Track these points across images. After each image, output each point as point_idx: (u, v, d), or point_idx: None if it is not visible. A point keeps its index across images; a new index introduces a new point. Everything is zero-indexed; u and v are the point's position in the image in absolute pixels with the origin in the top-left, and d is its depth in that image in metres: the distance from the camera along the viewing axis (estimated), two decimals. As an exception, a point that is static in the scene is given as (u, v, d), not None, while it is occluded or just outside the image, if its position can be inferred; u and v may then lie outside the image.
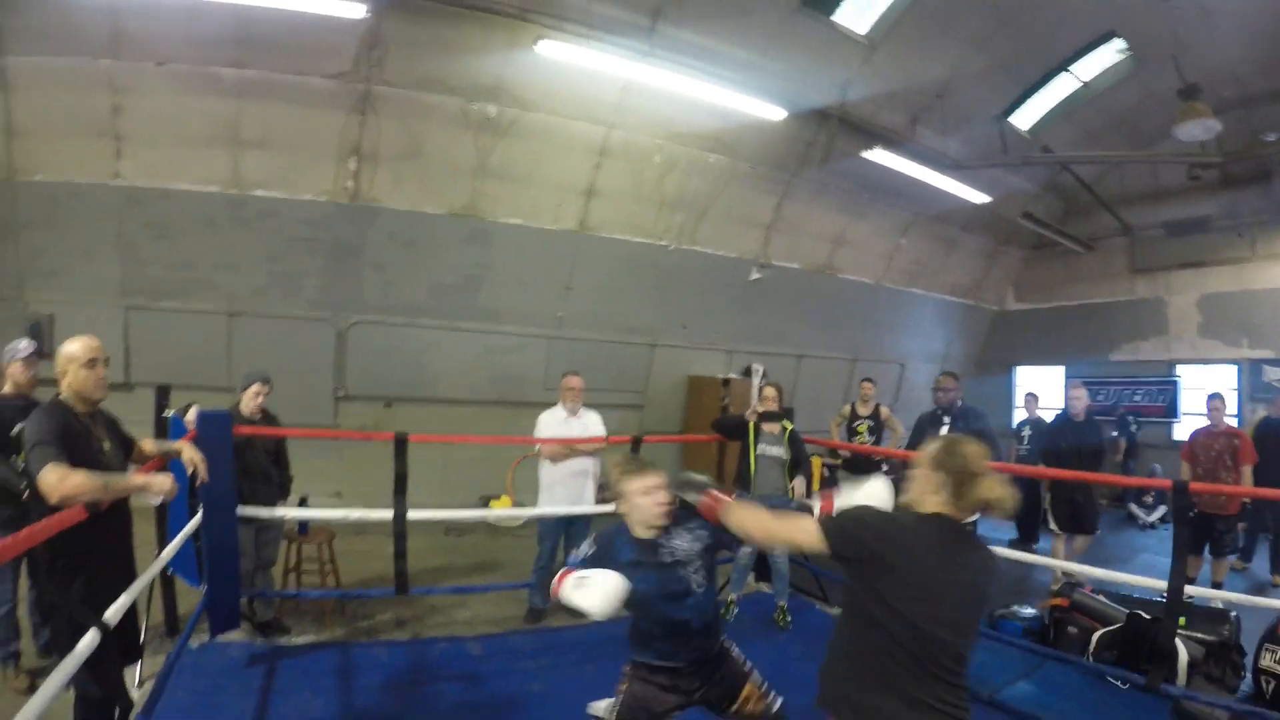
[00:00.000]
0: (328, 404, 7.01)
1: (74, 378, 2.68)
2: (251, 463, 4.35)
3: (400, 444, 4.35)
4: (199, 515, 3.91)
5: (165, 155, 6.17)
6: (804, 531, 1.89)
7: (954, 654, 1.80)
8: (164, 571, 4.03)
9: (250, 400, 4.49)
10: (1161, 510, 9.07)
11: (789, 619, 5.09)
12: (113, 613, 2.54)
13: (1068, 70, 8.46)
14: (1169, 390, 11.50)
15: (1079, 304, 12.69)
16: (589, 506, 5.13)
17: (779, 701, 2.70)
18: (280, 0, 5.13)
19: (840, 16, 7.13)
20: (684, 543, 2.58)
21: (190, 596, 4.27)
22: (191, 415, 4.07)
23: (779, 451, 5.14)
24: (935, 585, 1.77)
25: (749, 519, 2.05)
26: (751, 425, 5.21)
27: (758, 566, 5.54)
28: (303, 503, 4.79)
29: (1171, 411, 11.36)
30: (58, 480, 2.32)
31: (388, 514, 4.34)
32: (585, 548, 2.64)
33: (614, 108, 6.91)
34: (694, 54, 6.39)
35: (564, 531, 5.11)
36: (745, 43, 6.73)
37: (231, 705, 3.46)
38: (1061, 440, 6.23)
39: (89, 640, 2.33)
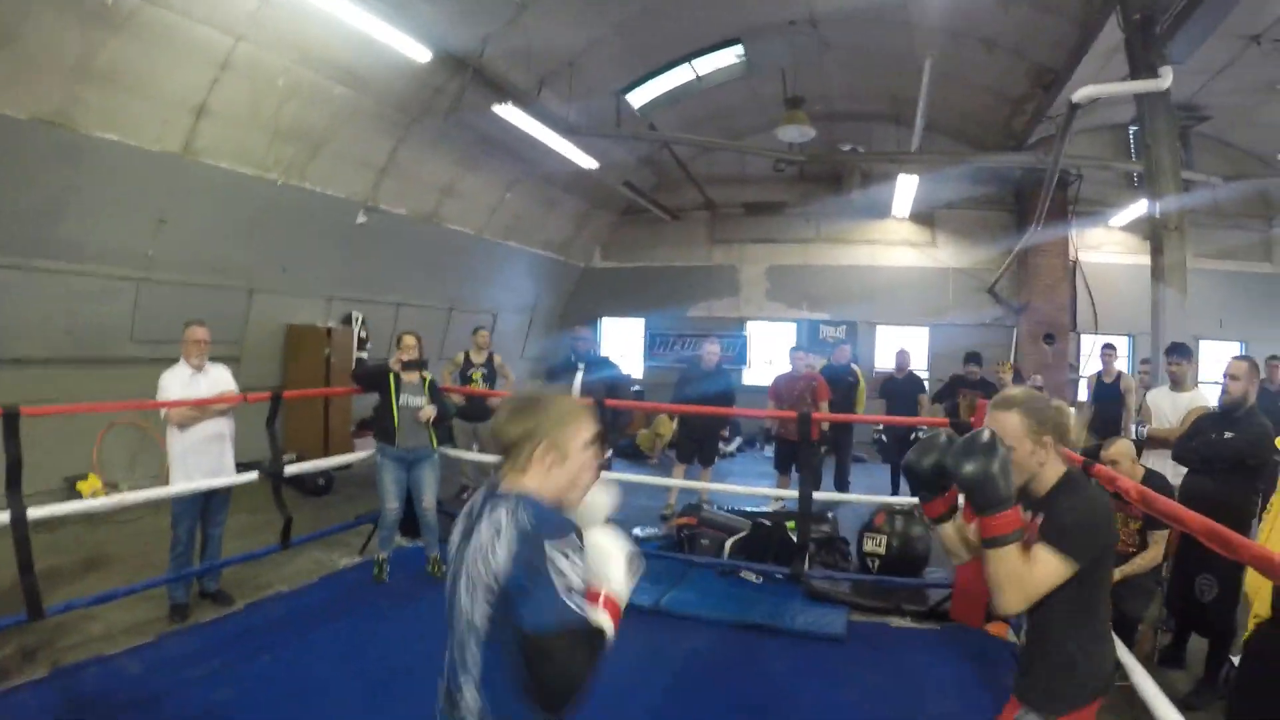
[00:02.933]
0: None
1: None
2: None
3: (10, 420, 4.07)
4: None
5: None
6: (1051, 570, 2.02)
7: None
8: None
9: None
10: (738, 441, 12.36)
11: (444, 569, 6.27)
12: None
13: (688, 63, 10.81)
14: (739, 342, 15.87)
15: (661, 265, 16.55)
16: (229, 476, 5.50)
17: None
18: None
19: (500, -29, 8.26)
20: None
21: None
22: None
23: (421, 402, 6.12)
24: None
25: (1018, 566, 2.01)
26: (393, 375, 6.18)
27: (403, 521, 6.42)
28: None
29: (741, 359, 15.74)
30: None
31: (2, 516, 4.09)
32: (576, 571, 1.70)
33: (248, 17, 7.14)
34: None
35: (203, 508, 5.41)
36: None
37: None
38: (689, 387, 8.41)
39: None
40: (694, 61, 11.03)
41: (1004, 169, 12.87)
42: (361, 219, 10.32)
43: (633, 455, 11.64)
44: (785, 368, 9.14)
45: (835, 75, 11.67)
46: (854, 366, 9.80)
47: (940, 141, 12.79)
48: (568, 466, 1.87)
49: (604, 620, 1.73)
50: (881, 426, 9.74)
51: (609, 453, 6.61)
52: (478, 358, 8.89)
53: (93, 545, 6.54)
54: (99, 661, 4.50)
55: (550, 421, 1.87)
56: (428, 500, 6.26)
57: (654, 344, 16.74)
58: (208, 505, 5.45)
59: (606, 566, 1.80)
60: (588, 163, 11.43)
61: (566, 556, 1.67)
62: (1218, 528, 2.40)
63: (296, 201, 9.26)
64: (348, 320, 10.67)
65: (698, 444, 8.47)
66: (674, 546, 6.74)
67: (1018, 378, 9.43)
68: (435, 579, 6.10)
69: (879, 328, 15.18)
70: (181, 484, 5.26)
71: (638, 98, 11.55)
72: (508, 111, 9.20)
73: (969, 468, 1.98)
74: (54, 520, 6.48)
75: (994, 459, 1.96)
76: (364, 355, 10.78)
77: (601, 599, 1.76)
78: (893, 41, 9.88)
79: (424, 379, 6.24)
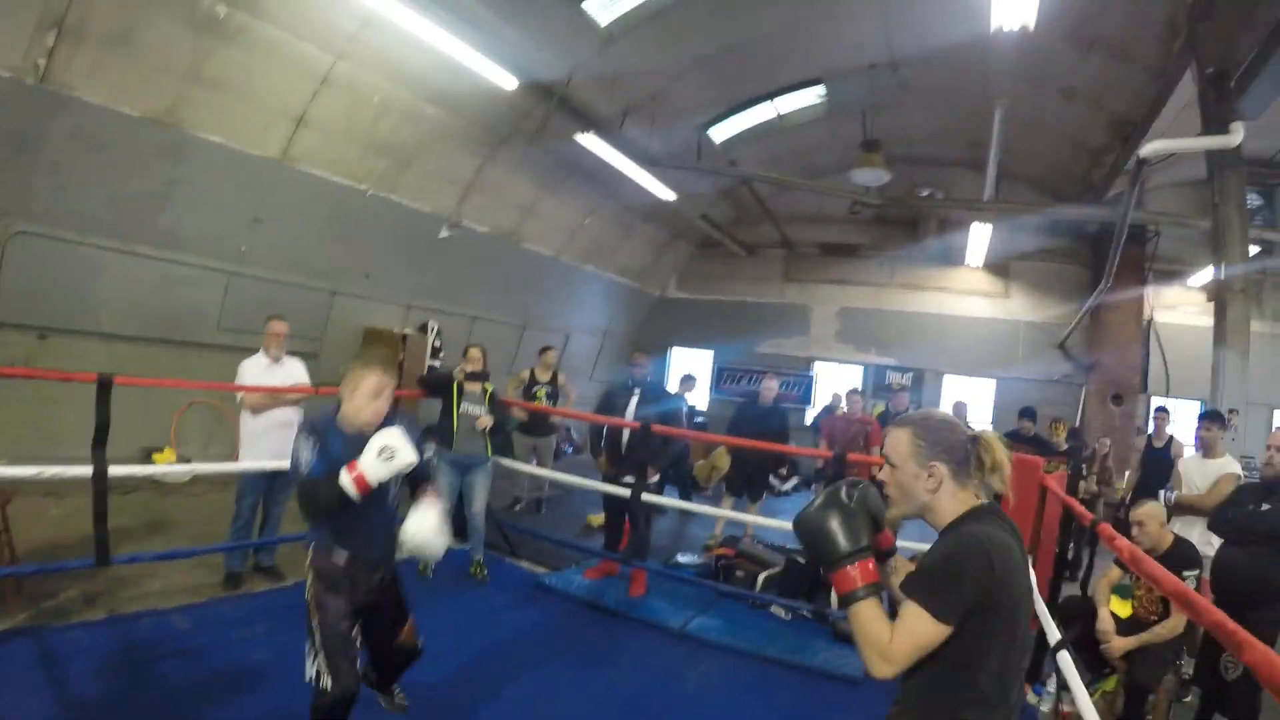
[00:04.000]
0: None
1: None
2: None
3: (104, 388, 4.44)
4: None
5: None
6: (912, 627, 1.76)
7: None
8: None
9: None
10: (795, 480, 12.29)
11: (485, 572, 6.46)
12: None
13: (770, 101, 10.97)
14: (806, 382, 15.86)
15: (734, 299, 16.68)
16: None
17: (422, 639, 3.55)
18: None
19: (588, 5, 8.60)
20: None
21: None
22: None
23: (479, 411, 6.35)
24: (1025, 595, 1.85)
25: (871, 628, 1.80)
26: (456, 385, 6.43)
27: (453, 523, 6.55)
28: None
29: (805, 399, 15.65)
30: None
31: (85, 470, 4.39)
32: (308, 450, 3.06)
33: (349, 37, 7.58)
34: (443, 3, 6.93)
35: (266, 488, 5.74)
36: (494, 5, 7.74)
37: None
38: (746, 421, 8.45)
39: None
40: (776, 100, 11.20)
41: (1081, 222, 12.61)
42: (445, 233, 10.77)
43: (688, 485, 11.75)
44: (830, 405, 9.10)
45: (915, 119, 11.74)
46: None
47: (1020, 190, 12.68)
48: (355, 402, 3.17)
49: (345, 479, 2.93)
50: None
51: (655, 477, 6.71)
52: (543, 376, 9.11)
53: (161, 511, 7.01)
54: (153, 614, 4.87)
55: (356, 373, 3.17)
56: (478, 504, 6.45)
57: (721, 377, 16.77)
58: (271, 486, 5.77)
59: (366, 453, 2.95)
60: (666, 194, 11.67)
61: (302, 444, 3.10)
62: (1198, 603, 2.36)
63: (384, 212, 9.72)
64: (423, 328, 11.08)
65: (747, 478, 8.52)
66: (711, 575, 6.80)
67: (1073, 436, 9.18)
68: (476, 580, 6.34)
69: (946, 377, 14.93)
70: (249, 462, 5.63)
71: (720, 133, 11.80)
72: (590, 140, 9.51)
73: (803, 522, 1.93)
74: (128, 484, 7.15)
75: (831, 512, 1.89)
76: (436, 363, 11.13)
77: (353, 467, 2.94)
78: (971, 87, 9.87)
79: (485, 390, 6.50)
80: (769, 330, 16.26)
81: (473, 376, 6.46)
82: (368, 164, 9.11)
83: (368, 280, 10.29)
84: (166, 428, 7.81)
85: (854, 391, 9.28)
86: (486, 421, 6.33)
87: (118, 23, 6.27)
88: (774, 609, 6.25)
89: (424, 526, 3.25)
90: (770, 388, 8.74)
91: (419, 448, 3.29)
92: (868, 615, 1.80)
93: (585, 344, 15.79)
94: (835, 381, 15.14)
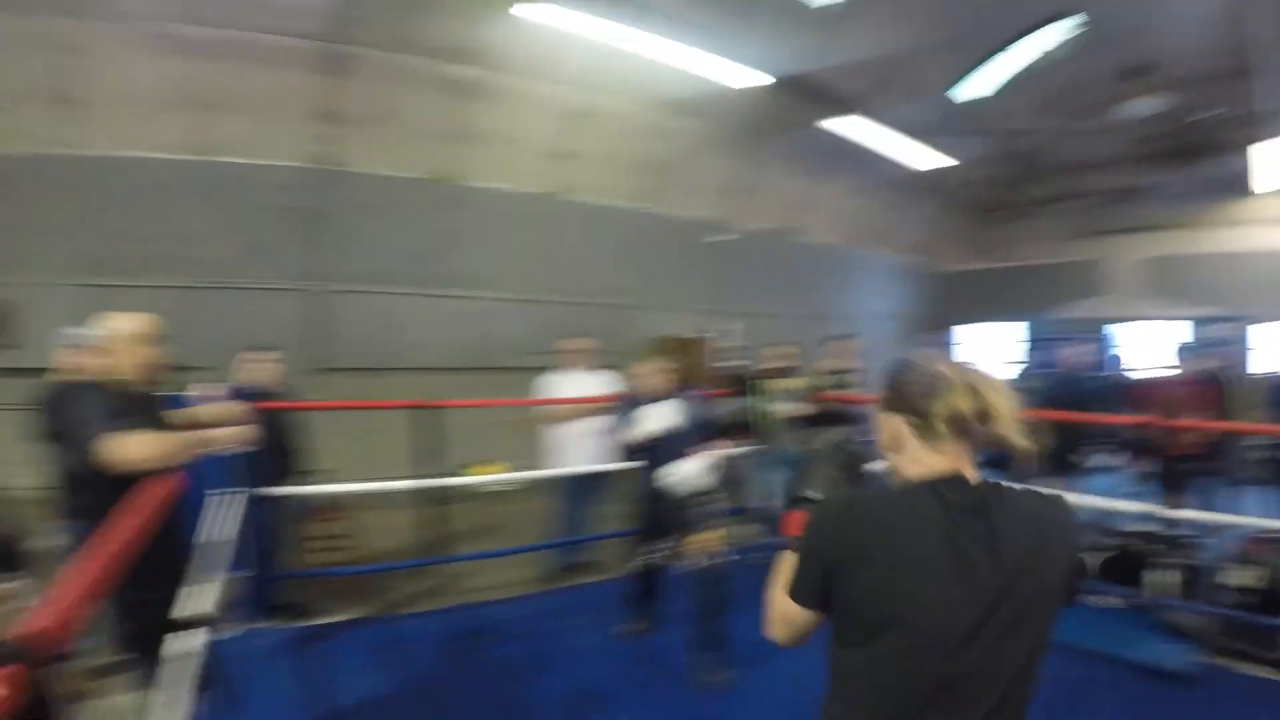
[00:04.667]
0: (306, 377, 7.55)
1: (131, 357, 2.93)
2: (269, 438, 4.63)
3: (426, 413, 5.19)
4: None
5: (126, 120, 6.82)
6: (783, 598, 1.52)
7: (987, 680, 1.38)
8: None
9: (261, 370, 5.25)
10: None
11: None
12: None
13: (1019, 45, 10.18)
14: (1109, 343, 13.64)
15: (1023, 264, 15.41)
16: (607, 464, 5.87)
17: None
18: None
19: (810, -9, 8.48)
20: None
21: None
22: (202, 391, 4.77)
23: (787, 406, 6.42)
24: (942, 579, 1.36)
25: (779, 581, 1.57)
26: (760, 381, 6.56)
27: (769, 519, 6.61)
28: (309, 478, 5.51)
29: (1111, 363, 13.46)
30: (135, 446, 2.55)
31: (415, 484, 5.23)
32: (620, 412, 4.76)
33: (588, 71, 8.10)
34: (667, 19, 7.19)
35: (581, 492, 6.18)
36: (717, 9, 7.79)
37: (294, 691, 3.99)
38: (1063, 391, 7.89)
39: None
40: (1024, 42, 10.29)
41: None
42: (719, 237, 11.12)
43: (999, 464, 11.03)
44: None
45: (1181, 31, 9.91)
46: (1233, 371, 8.53)
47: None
48: (643, 378, 4.72)
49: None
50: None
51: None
52: (836, 365, 9.07)
53: (486, 517, 7.64)
54: (481, 605, 5.52)
55: (643, 361, 4.72)
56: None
57: (1033, 347, 15.03)
58: (586, 489, 6.23)
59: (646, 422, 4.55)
60: (934, 161, 11.39)
61: (619, 407, 4.90)
62: None
63: (656, 226, 10.31)
64: (715, 331, 11.36)
65: (1063, 455, 7.95)
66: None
67: None
68: None
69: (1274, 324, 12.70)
70: (564, 469, 6.17)
71: (974, 89, 11.07)
72: (847, 123, 9.48)
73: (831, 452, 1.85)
74: (457, 495, 7.83)
75: (840, 458, 1.79)
76: (735, 362, 11.35)
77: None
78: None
79: (792, 385, 6.58)
80: (1063, 292, 14.75)
81: (779, 373, 6.59)
82: (631, 183, 9.70)
83: (656, 291, 10.79)
84: (480, 446, 8.65)
85: (1184, 348, 8.29)
86: (794, 413, 6.40)
87: (376, 103, 7.28)
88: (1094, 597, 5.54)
89: (684, 467, 4.31)
90: (1080, 352, 8.13)
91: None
92: (783, 569, 1.57)
93: (875, 329, 15.12)
94: (1141, 341, 13.32)
